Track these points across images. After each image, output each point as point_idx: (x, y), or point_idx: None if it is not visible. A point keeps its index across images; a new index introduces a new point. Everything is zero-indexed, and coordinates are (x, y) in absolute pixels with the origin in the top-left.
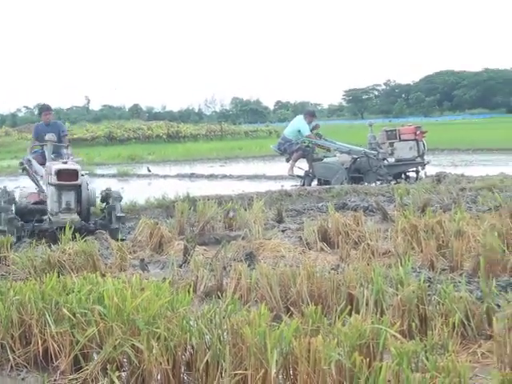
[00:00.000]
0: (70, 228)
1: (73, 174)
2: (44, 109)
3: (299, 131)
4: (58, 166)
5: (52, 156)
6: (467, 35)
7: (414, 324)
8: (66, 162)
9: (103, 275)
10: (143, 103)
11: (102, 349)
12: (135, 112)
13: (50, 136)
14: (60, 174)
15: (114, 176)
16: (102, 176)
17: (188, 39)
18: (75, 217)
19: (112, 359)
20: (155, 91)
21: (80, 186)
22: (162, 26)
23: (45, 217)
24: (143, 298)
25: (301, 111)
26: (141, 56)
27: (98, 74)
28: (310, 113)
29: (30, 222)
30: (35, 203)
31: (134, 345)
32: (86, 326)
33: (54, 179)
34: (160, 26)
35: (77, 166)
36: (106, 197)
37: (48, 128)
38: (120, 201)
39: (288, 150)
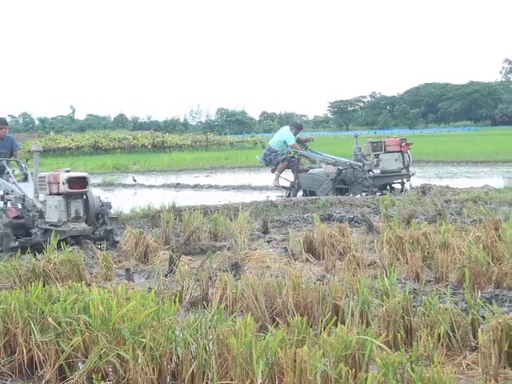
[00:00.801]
0: (82, 237)
1: (81, 182)
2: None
3: (285, 142)
4: (67, 174)
5: (10, 170)
6: (453, 48)
7: (399, 335)
8: (68, 171)
9: (89, 285)
10: (128, 113)
11: (87, 358)
12: (120, 122)
13: (37, 146)
14: (70, 182)
15: (99, 185)
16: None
17: (174, 50)
18: (84, 225)
19: (97, 369)
20: (141, 101)
21: (86, 193)
22: (149, 37)
23: (33, 230)
24: (129, 308)
25: (286, 122)
26: (126, 65)
27: (84, 84)
28: (297, 125)
29: (17, 238)
30: (16, 218)
31: (119, 354)
32: (71, 336)
33: (63, 188)
34: (146, 36)
35: (85, 174)
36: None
37: (2, 142)
38: (110, 207)
39: (273, 161)
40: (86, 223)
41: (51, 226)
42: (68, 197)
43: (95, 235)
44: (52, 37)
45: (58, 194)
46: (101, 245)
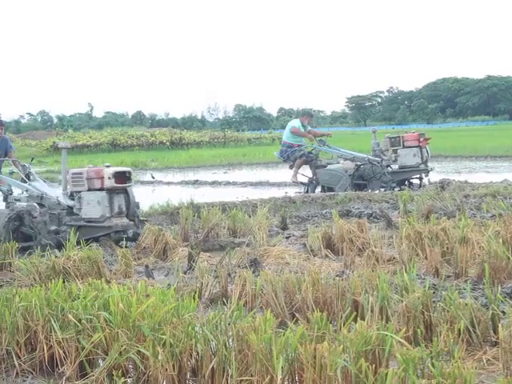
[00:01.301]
0: (125, 232)
1: (126, 176)
2: None
3: (289, 130)
4: (112, 168)
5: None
6: (470, 42)
7: (419, 330)
8: (108, 166)
9: (108, 282)
10: (146, 110)
11: (107, 355)
12: (138, 119)
13: (65, 143)
14: (115, 176)
15: None
16: None
17: (191, 46)
18: (126, 221)
19: (118, 365)
20: (158, 98)
21: (126, 188)
22: (166, 33)
23: (62, 228)
24: (148, 305)
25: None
26: (144, 63)
27: (101, 81)
28: (306, 113)
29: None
30: None
31: (139, 351)
32: (91, 332)
33: (109, 182)
34: (163, 33)
35: (129, 168)
36: None
37: None
38: (138, 207)
39: (291, 157)
40: (127, 218)
41: (88, 221)
42: (111, 192)
43: (140, 231)
44: (70, 35)
45: (101, 189)
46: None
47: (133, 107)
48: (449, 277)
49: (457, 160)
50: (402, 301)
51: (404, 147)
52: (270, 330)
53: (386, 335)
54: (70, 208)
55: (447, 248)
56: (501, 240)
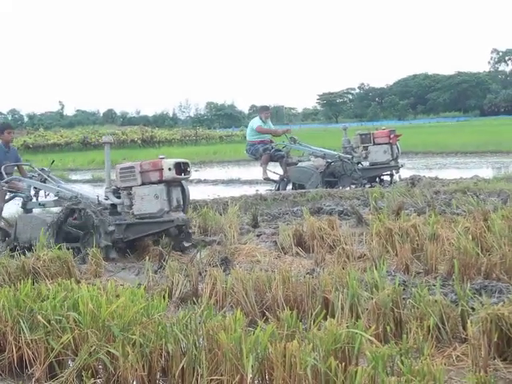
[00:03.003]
0: (186, 226)
1: (184, 168)
2: (6, 126)
3: (252, 129)
4: (172, 159)
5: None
6: (440, 39)
7: (389, 328)
8: (163, 158)
9: (78, 282)
10: (117, 108)
11: (77, 356)
12: (109, 117)
13: (108, 138)
14: (176, 167)
15: (88, 181)
16: (76, 181)
17: (163, 44)
18: (183, 215)
19: (87, 366)
20: (130, 96)
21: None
22: (137, 31)
23: (110, 228)
24: (118, 305)
25: (275, 115)
26: (115, 61)
27: (72, 79)
28: (262, 108)
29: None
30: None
31: (109, 351)
32: (60, 333)
33: (169, 174)
34: (134, 30)
35: (186, 160)
36: None
37: (8, 152)
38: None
39: (255, 154)
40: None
41: (142, 218)
42: (169, 185)
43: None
44: (40, 32)
45: (159, 181)
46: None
47: (104, 105)
48: (419, 273)
49: (427, 156)
50: (372, 298)
51: (374, 144)
52: (240, 328)
53: (356, 333)
54: (114, 207)
55: (417, 244)
56: (470, 236)
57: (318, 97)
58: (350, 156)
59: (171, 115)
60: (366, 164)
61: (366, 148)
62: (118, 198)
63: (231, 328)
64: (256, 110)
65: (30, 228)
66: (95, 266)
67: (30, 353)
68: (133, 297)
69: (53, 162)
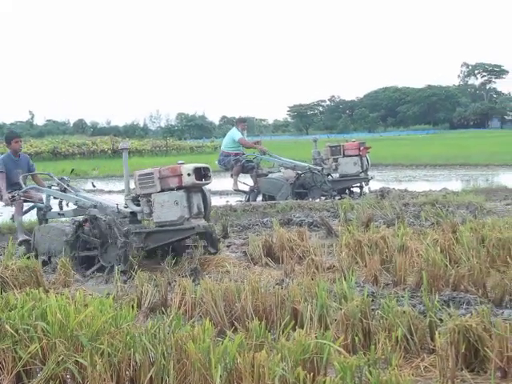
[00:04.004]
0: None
1: (205, 173)
2: (14, 135)
3: (233, 140)
4: (191, 164)
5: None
6: (411, 52)
7: (357, 338)
8: (183, 163)
9: (47, 291)
10: (88, 118)
11: (44, 365)
12: (80, 127)
13: (125, 144)
14: (196, 173)
15: None
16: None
17: (133, 54)
18: (204, 222)
19: (55, 376)
20: (100, 106)
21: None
22: (108, 41)
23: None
24: (86, 314)
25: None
26: (86, 71)
27: (42, 89)
28: (240, 120)
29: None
30: None
31: (77, 361)
32: (28, 343)
33: (189, 180)
34: (105, 40)
35: (207, 164)
36: None
37: (18, 161)
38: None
39: (227, 165)
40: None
41: (161, 226)
42: (189, 190)
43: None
44: (9, 41)
45: (179, 187)
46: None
47: (74, 115)
48: (387, 285)
49: (397, 168)
50: (341, 309)
51: (344, 156)
52: (209, 339)
53: (324, 343)
54: (133, 215)
55: (386, 256)
56: (439, 248)
57: (288, 108)
58: (320, 168)
59: (142, 125)
60: (335, 176)
61: (335, 160)
62: (138, 205)
63: (200, 338)
64: (227, 121)
65: (49, 238)
66: (64, 275)
67: None
68: (101, 306)
69: (72, 170)
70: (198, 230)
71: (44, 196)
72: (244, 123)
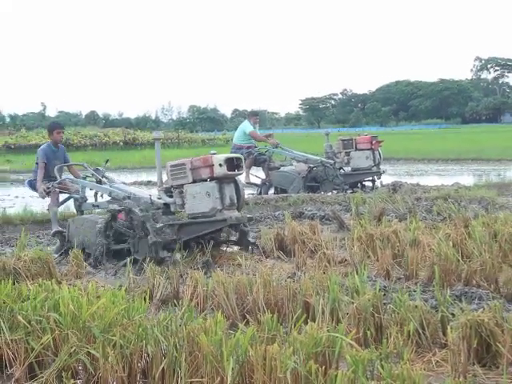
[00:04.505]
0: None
1: (237, 164)
2: (57, 126)
3: (245, 133)
4: (223, 155)
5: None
6: (423, 46)
7: (369, 332)
8: (215, 153)
9: (59, 282)
10: (100, 110)
11: (57, 356)
12: (92, 119)
13: (158, 134)
14: (228, 163)
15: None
16: None
17: (145, 46)
18: (237, 213)
19: (67, 367)
20: (112, 98)
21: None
22: (120, 33)
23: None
24: (99, 306)
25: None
26: (98, 62)
27: (55, 80)
28: (252, 113)
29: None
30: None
31: (89, 352)
32: (41, 334)
33: (221, 170)
34: (117, 33)
35: (239, 155)
36: None
37: (57, 152)
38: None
39: None
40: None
41: (194, 218)
42: (221, 181)
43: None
44: (22, 33)
45: (211, 178)
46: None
47: (86, 107)
48: (399, 279)
49: (409, 163)
50: (353, 303)
51: (356, 150)
52: (221, 331)
53: (336, 337)
54: (167, 206)
55: (398, 250)
56: (451, 243)
57: (300, 102)
58: (332, 161)
59: (154, 118)
60: (347, 169)
61: (348, 153)
62: (171, 197)
63: (212, 330)
64: (238, 114)
65: (83, 230)
66: (76, 267)
67: (9, 353)
68: (113, 298)
69: (107, 161)
70: (230, 221)
71: (79, 187)
72: (256, 117)
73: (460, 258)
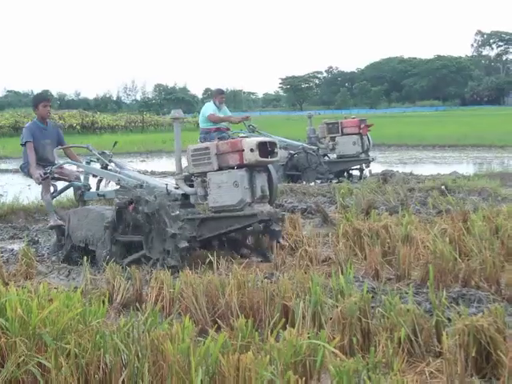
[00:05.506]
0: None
1: (271, 149)
2: (41, 98)
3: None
4: (255, 138)
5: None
6: (418, 18)
7: (355, 339)
8: (246, 136)
9: (6, 284)
10: (54, 89)
11: (3, 367)
12: None
13: (178, 112)
14: (260, 148)
15: (18, 171)
16: (6, 171)
17: (106, 17)
18: (269, 207)
19: (15, 379)
20: (68, 76)
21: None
22: (78, 4)
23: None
24: (51, 310)
25: (233, 101)
26: (51, 35)
27: (2, 56)
28: (217, 91)
29: None
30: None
31: (40, 363)
32: None
33: (252, 156)
34: (74, 3)
35: (273, 139)
36: None
37: (46, 130)
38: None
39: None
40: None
41: (218, 211)
42: (252, 169)
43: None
44: None
45: (240, 166)
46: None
47: (39, 86)
48: (390, 279)
49: (402, 149)
50: (337, 306)
51: (343, 134)
52: (189, 338)
53: (318, 344)
54: (186, 197)
55: (389, 247)
56: (447, 239)
57: (280, 81)
58: (315, 147)
59: (115, 98)
60: (333, 156)
61: (333, 139)
62: (191, 186)
63: (178, 338)
64: (211, 95)
65: (86, 224)
66: (26, 266)
67: None
68: (68, 301)
69: (115, 143)
70: (261, 217)
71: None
72: (222, 95)
73: (457, 256)
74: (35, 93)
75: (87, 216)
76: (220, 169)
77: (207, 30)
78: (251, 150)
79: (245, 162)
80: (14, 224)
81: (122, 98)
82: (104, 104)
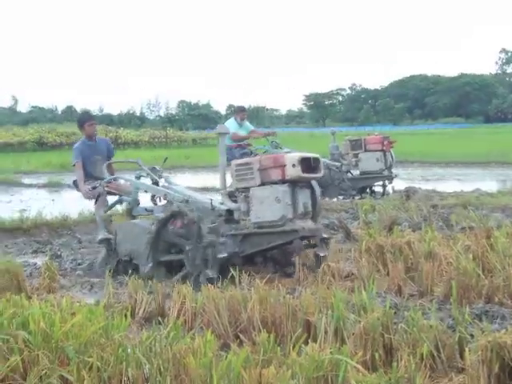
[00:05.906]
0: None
1: (314, 165)
2: (86, 118)
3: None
4: (298, 154)
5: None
6: (442, 36)
7: (377, 354)
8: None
9: (29, 297)
10: (78, 105)
11: (25, 380)
12: (69, 114)
13: (224, 128)
14: (303, 164)
15: (44, 186)
16: (31, 186)
17: (130, 35)
18: (311, 223)
19: None
20: (92, 92)
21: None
22: (100, 19)
23: (221, 239)
24: (74, 324)
25: (256, 117)
26: (76, 51)
27: (27, 72)
28: (239, 108)
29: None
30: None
31: (62, 376)
32: (8, 355)
33: (294, 172)
34: (97, 18)
35: (316, 155)
36: None
37: (93, 145)
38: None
39: (231, 159)
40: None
41: (260, 227)
42: (295, 185)
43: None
44: None
45: (283, 181)
46: None
47: (63, 101)
48: (412, 295)
49: (425, 166)
50: (360, 321)
51: (366, 151)
52: (211, 352)
53: (341, 360)
54: (230, 213)
55: (411, 264)
56: (471, 255)
57: (304, 97)
58: (338, 164)
59: (138, 114)
60: (355, 173)
61: (356, 155)
62: (236, 202)
63: (201, 352)
64: (234, 111)
65: (131, 238)
66: (49, 280)
67: None
68: (90, 315)
69: (166, 159)
70: (302, 233)
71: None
72: (243, 112)
73: (481, 273)
74: (59, 108)
75: (132, 230)
76: (262, 184)
77: (231, 47)
78: (293, 166)
79: (287, 177)
80: (37, 238)
81: (146, 114)
82: (128, 119)
